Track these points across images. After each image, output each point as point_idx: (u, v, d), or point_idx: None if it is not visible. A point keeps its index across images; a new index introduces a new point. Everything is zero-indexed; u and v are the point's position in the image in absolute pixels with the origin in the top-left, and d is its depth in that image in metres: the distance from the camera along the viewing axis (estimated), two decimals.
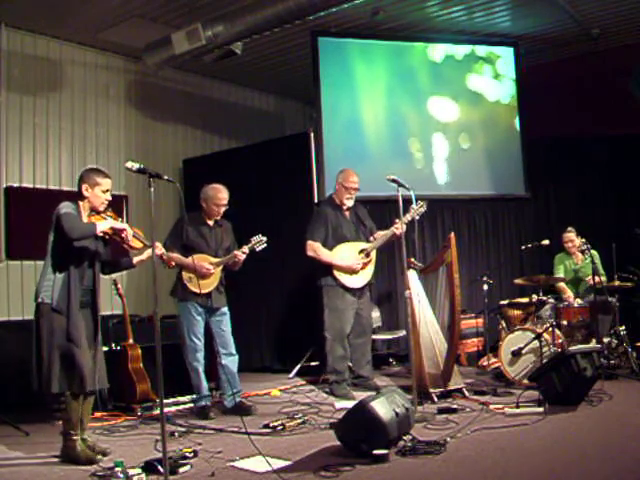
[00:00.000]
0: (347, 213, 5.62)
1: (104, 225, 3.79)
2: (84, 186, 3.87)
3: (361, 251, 5.48)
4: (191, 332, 4.91)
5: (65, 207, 3.77)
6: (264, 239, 4.99)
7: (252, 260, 5.09)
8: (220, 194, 5.01)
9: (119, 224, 3.86)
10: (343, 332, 5.49)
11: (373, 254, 5.54)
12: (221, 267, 5.01)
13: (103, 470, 3.48)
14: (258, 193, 7.04)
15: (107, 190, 3.91)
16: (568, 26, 7.43)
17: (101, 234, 3.81)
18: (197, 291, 4.82)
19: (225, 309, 5.07)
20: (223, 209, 5.04)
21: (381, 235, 5.53)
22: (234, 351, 5.04)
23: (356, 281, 5.48)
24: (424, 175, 7.44)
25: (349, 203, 5.58)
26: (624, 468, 3.19)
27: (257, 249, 5.00)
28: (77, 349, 3.71)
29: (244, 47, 6.61)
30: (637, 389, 5.14)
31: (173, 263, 4.75)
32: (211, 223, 5.07)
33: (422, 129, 7.53)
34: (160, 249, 4.03)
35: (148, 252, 4.06)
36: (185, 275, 4.91)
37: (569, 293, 6.36)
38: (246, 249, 4.95)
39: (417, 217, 5.37)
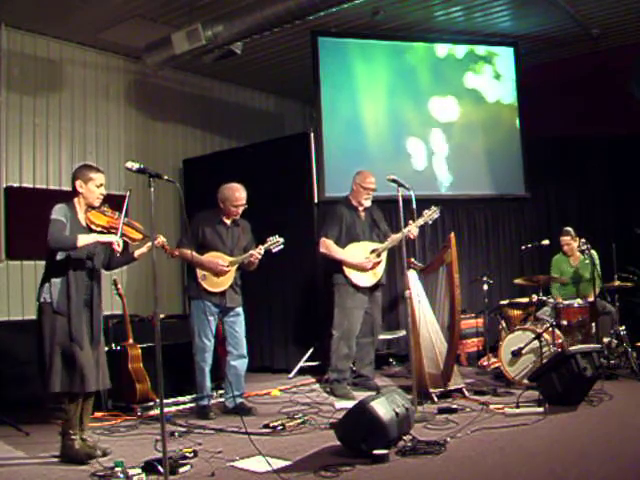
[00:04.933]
0: (362, 214, 5.64)
1: (87, 239, 3.73)
2: (78, 182, 3.87)
3: (372, 251, 5.50)
4: (202, 332, 4.88)
5: (57, 211, 3.78)
6: (281, 240, 4.96)
7: None
8: (237, 194, 4.95)
9: (105, 237, 3.79)
10: (351, 331, 5.50)
11: (384, 255, 5.55)
12: (236, 266, 4.97)
13: (103, 470, 3.48)
14: (258, 193, 7.02)
15: (101, 184, 3.91)
16: (568, 26, 7.44)
17: (90, 243, 3.77)
18: (211, 289, 4.82)
19: (239, 310, 5.04)
20: (242, 209, 4.99)
21: (394, 238, 5.53)
22: (245, 353, 5.01)
23: (366, 280, 5.49)
24: (424, 175, 7.44)
25: (367, 203, 5.60)
26: (624, 468, 3.20)
27: (273, 250, 4.96)
28: (79, 349, 3.72)
29: (244, 47, 6.61)
30: (637, 389, 5.14)
31: (176, 252, 4.72)
32: (228, 222, 5.03)
33: (422, 129, 7.53)
34: (161, 239, 4.02)
35: (149, 244, 4.04)
36: (199, 273, 4.88)
37: (560, 299, 6.34)
38: (262, 249, 4.93)
39: (430, 222, 5.43)
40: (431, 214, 5.39)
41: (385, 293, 7.03)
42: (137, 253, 4.12)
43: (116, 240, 3.76)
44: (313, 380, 6.25)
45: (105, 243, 3.82)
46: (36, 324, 3.80)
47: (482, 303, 6.56)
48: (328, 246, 5.50)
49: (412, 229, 5.28)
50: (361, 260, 5.45)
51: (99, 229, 3.89)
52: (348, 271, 5.47)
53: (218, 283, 4.89)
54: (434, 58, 7.66)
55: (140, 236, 3.99)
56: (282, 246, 4.98)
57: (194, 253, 4.77)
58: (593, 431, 3.95)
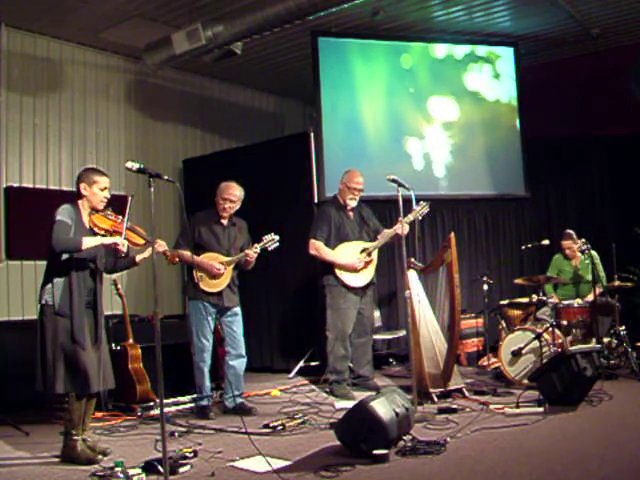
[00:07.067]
0: (351, 213, 5.62)
1: (91, 242, 3.73)
2: (82, 185, 3.87)
3: (363, 250, 5.49)
4: (200, 332, 4.89)
5: (62, 213, 3.77)
6: (276, 238, 4.96)
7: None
8: (230, 189, 4.96)
9: (108, 239, 3.78)
10: (345, 332, 5.49)
11: (375, 254, 5.54)
12: (233, 266, 4.97)
13: (103, 470, 3.47)
14: (258, 193, 7.03)
15: (105, 188, 3.91)
16: (568, 26, 7.44)
17: (94, 246, 3.76)
18: (208, 290, 4.82)
19: (237, 309, 5.04)
20: (230, 205, 4.97)
21: (385, 234, 5.53)
22: (244, 353, 5.02)
23: (358, 280, 5.48)
24: (424, 175, 7.44)
25: (352, 204, 5.59)
26: (624, 468, 3.20)
27: (269, 248, 4.97)
28: (82, 350, 3.71)
29: (244, 47, 6.61)
30: (637, 389, 5.14)
31: (177, 259, 4.73)
32: (225, 222, 5.03)
33: (422, 129, 7.53)
34: (162, 246, 4.03)
35: (150, 249, 4.04)
36: (196, 274, 4.87)
37: (555, 297, 6.34)
38: (257, 248, 4.93)
39: (419, 218, 5.39)
40: (420, 210, 5.34)
41: (384, 293, 7.06)
42: (139, 258, 4.11)
43: (120, 241, 3.76)
44: (313, 380, 6.24)
45: (110, 245, 3.81)
46: (37, 326, 3.80)
47: (482, 303, 6.56)
48: (317, 247, 5.48)
49: (400, 225, 5.25)
50: (351, 260, 5.44)
51: (102, 232, 3.88)
52: (339, 272, 5.45)
53: (215, 283, 4.89)
54: (434, 58, 7.66)
55: (142, 241, 3.99)
56: (278, 244, 4.99)
57: (188, 253, 4.79)
58: (593, 431, 3.95)
